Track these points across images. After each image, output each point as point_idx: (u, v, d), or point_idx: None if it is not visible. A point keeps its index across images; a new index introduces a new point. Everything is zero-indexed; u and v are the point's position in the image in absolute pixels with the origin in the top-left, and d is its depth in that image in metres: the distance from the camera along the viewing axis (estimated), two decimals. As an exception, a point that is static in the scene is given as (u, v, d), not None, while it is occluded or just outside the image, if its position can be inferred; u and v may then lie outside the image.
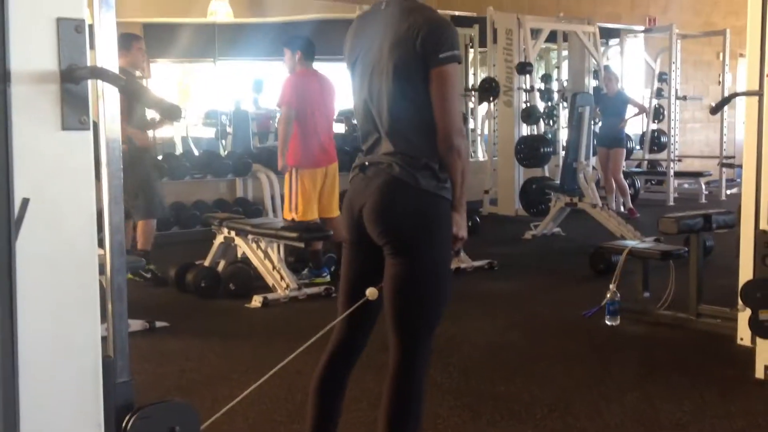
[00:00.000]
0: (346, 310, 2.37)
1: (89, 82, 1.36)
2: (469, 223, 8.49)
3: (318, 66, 5.98)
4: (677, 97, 11.51)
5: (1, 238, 1.27)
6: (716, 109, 4.80)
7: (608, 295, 4.63)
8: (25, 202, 1.28)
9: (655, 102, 12.16)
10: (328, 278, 5.81)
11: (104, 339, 1.46)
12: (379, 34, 2.31)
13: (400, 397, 2.26)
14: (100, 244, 1.42)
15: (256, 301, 5.19)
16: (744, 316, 4.07)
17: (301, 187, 5.70)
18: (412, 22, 2.23)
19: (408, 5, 2.29)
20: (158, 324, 4.64)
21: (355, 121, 11.22)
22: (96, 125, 1.41)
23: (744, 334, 4.15)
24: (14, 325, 1.30)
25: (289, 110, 5.64)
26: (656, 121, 12.28)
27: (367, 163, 2.35)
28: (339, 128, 14.13)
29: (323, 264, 5.93)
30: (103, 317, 1.45)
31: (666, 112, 11.84)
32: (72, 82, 1.33)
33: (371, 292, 2.28)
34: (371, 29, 2.36)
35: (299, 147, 5.70)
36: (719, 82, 12.73)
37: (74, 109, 1.34)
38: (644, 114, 10.88)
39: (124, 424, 1.47)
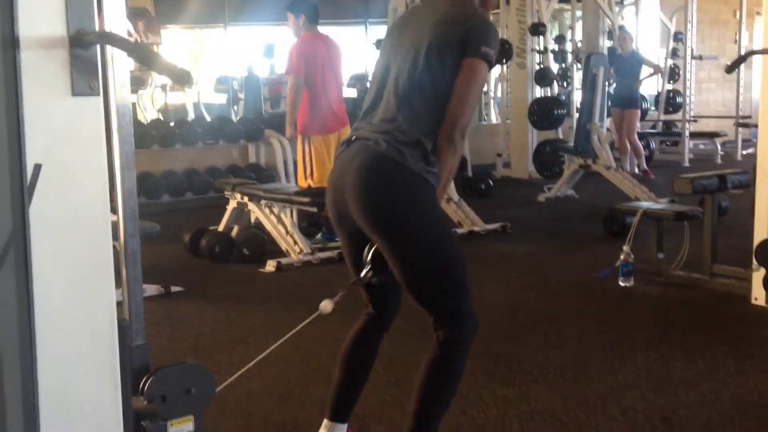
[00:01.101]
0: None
1: (98, 47, 1.36)
2: (482, 186, 8.49)
3: (326, 30, 5.93)
4: (693, 57, 11.37)
5: (15, 204, 1.29)
6: (732, 68, 4.73)
7: (622, 257, 4.62)
8: (38, 168, 1.29)
9: (670, 62, 12.02)
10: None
11: (120, 304, 1.48)
12: (427, 13, 2.32)
13: (440, 372, 2.24)
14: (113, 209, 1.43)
15: (270, 265, 5.22)
16: (758, 275, 4.07)
17: (315, 153, 5.68)
18: (463, 11, 2.26)
19: (462, 1, 2.33)
20: (173, 289, 4.68)
21: (365, 85, 11.13)
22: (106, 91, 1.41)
23: (758, 294, 4.14)
24: (30, 290, 1.32)
25: (297, 78, 5.59)
26: (671, 81, 12.15)
27: (353, 138, 2.29)
28: (351, 93, 14.08)
29: None
30: (118, 282, 1.46)
31: (681, 72, 11.71)
32: (81, 48, 1.33)
33: (324, 306, 2.17)
34: (419, 12, 2.41)
35: (310, 113, 5.66)
36: (735, 41, 12.53)
37: (84, 74, 1.34)
38: (659, 74, 10.76)
39: (140, 386, 1.49)
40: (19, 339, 1.32)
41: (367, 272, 2.26)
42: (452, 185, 6.50)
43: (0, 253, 1.28)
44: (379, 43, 12.83)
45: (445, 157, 2.19)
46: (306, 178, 5.74)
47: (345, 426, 2.47)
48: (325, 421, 2.46)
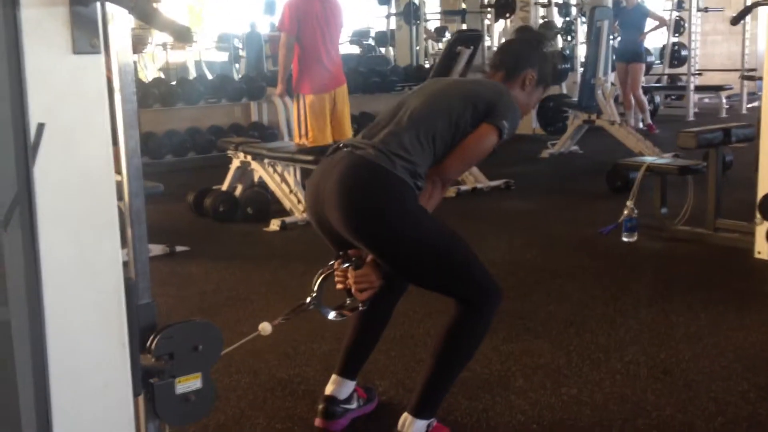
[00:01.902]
0: None
1: (98, 4, 1.35)
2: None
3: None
4: (698, 9, 11.25)
5: (19, 164, 1.29)
6: (737, 19, 4.68)
7: (625, 212, 4.63)
8: (41, 127, 1.29)
9: (675, 14, 11.88)
10: None
11: (126, 263, 1.49)
12: (465, 80, 2.54)
13: (460, 337, 2.24)
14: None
15: (274, 224, 5.23)
16: (762, 229, 4.08)
17: (311, 113, 5.65)
18: (502, 87, 2.39)
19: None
20: (178, 248, 4.71)
21: (368, 42, 11.12)
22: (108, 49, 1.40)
23: (761, 248, 4.15)
24: (36, 250, 1.32)
25: (288, 37, 5.57)
26: (676, 34, 12.02)
27: (341, 145, 2.26)
28: (354, 49, 13.97)
29: None
30: (124, 242, 1.47)
31: (687, 25, 11.58)
32: (81, 5, 1.31)
33: (263, 328, 2.10)
34: (456, 79, 2.53)
35: (304, 73, 5.64)
36: (742, -8, 12.38)
37: (84, 32, 1.33)
38: (664, 27, 10.64)
39: (148, 344, 1.51)
40: (27, 299, 1.33)
41: (312, 299, 2.22)
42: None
43: (6, 213, 1.28)
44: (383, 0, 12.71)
45: (431, 188, 2.24)
46: (301, 137, 5.73)
47: (353, 384, 2.50)
48: (334, 376, 2.49)
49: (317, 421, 2.47)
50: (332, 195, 2.14)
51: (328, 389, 2.48)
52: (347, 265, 2.22)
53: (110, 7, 1.38)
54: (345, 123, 5.86)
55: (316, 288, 2.23)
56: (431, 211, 2.25)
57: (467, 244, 2.26)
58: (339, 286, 2.27)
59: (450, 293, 2.26)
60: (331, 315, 2.27)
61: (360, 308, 2.28)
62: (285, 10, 5.66)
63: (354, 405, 2.52)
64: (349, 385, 2.50)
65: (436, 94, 2.33)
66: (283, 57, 5.68)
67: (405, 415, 2.30)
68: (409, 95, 2.38)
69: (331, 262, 2.27)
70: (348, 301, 2.29)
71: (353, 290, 2.24)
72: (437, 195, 2.27)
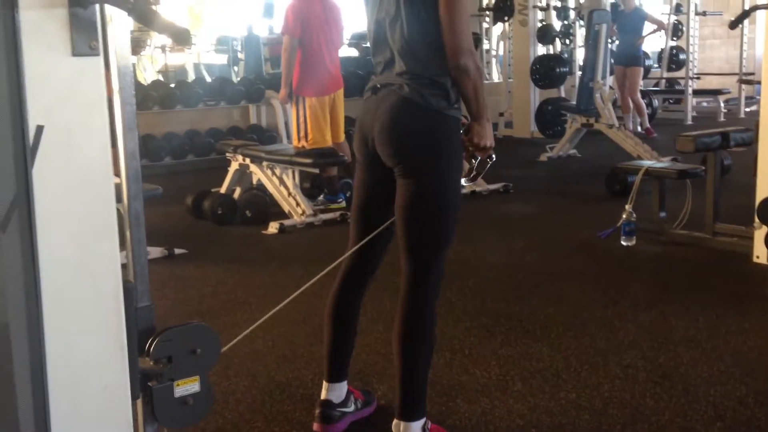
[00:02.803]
0: (357, 233, 2.39)
1: (97, 6, 1.35)
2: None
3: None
4: (696, 13, 11.26)
5: (18, 166, 1.28)
6: (735, 24, 4.68)
7: (624, 216, 4.62)
8: (40, 129, 1.29)
9: (673, 18, 11.89)
10: (343, 204, 5.83)
11: (124, 266, 1.48)
12: None
13: (413, 319, 2.27)
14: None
15: (273, 227, 5.23)
16: (760, 233, 4.07)
17: (311, 115, 5.65)
18: None
19: None
20: (177, 251, 4.70)
21: (367, 44, 11.17)
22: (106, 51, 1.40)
23: (760, 252, 4.15)
24: (35, 252, 1.32)
25: (292, 39, 5.57)
26: (675, 37, 12.04)
27: (378, 85, 2.34)
28: (352, 52, 13.97)
29: (338, 190, 5.94)
30: (122, 245, 1.46)
31: (685, 29, 11.60)
32: (80, 6, 1.31)
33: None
34: None
35: (306, 75, 5.64)
36: (740, -4, 12.40)
37: (83, 34, 1.33)
38: (662, 31, 10.65)
39: (146, 347, 1.50)
40: (25, 301, 1.33)
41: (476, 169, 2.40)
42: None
43: (4, 215, 1.28)
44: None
45: (461, 81, 2.20)
46: (300, 139, 5.72)
47: (344, 384, 2.50)
48: (325, 383, 2.49)
49: (315, 426, 2.46)
50: (379, 131, 2.28)
51: (323, 394, 2.48)
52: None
53: (109, 8, 1.38)
54: (340, 126, 5.91)
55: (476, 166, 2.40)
56: (481, 82, 2.25)
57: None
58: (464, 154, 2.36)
59: (426, 245, 2.28)
60: (463, 181, 2.41)
61: (490, 163, 2.42)
62: (288, 13, 5.66)
63: (351, 408, 2.51)
64: (342, 388, 2.49)
65: (394, 6, 2.25)
66: (288, 60, 5.66)
67: (396, 422, 2.29)
68: (374, 14, 2.34)
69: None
70: (475, 163, 2.42)
71: (479, 153, 2.36)
72: (468, 83, 2.20)
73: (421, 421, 2.28)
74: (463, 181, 2.41)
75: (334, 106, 5.80)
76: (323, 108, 5.70)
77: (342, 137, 5.89)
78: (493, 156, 2.41)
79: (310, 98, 5.65)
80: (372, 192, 2.40)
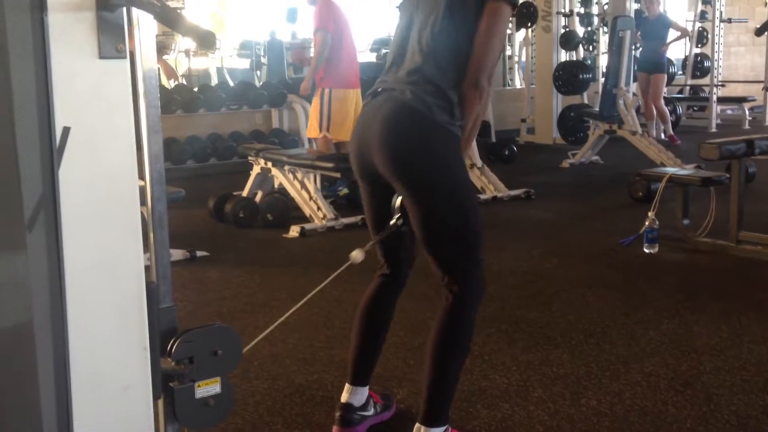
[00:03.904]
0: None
1: (124, 9, 1.36)
2: (506, 152, 8.44)
3: None
4: (722, 20, 11.16)
5: (44, 167, 1.30)
6: (761, 31, 4.66)
7: (647, 223, 4.60)
8: (66, 130, 1.30)
9: (698, 25, 11.81)
10: (345, 190, 5.94)
11: (147, 267, 1.50)
12: None
13: (451, 327, 2.24)
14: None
15: (294, 231, 5.25)
16: (785, 242, 4.03)
17: (337, 106, 5.81)
18: None
19: None
20: (198, 253, 4.73)
21: (385, 51, 11.20)
22: (132, 54, 1.41)
23: (785, 261, 4.11)
24: (60, 253, 1.33)
25: (326, 34, 5.74)
26: (699, 44, 11.95)
27: (379, 89, 2.27)
28: (371, 57, 14.01)
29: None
30: (146, 247, 1.48)
31: (710, 36, 11.51)
32: (107, 10, 1.33)
33: (354, 256, 2.14)
34: None
35: (335, 68, 5.82)
36: (765, 4, 12.28)
37: (110, 37, 1.34)
38: (686, 38, 10.58)
39: (168, 348, 1.51)
40: (50, 301, 1.34)
41: (396, 220, 2.27)
42: (476, 151, 6.48)
43: (30, 216, 1.29)
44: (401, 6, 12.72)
45: (471, 102, 2.16)
46: (321, 129, 5.82)
47: (366, 389, 2.50)
48: (347, 386, 2.49)
49: (335, 429, 2.47)
50: (376, 140, 2.19)
51: (343, 397, 2.48)
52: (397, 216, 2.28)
53: (135, 12, 1.39)
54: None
55: (397, 208, 2.27)
56: (485, 109, 2.23)
57: (481, 216, 2.28)
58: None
59: (454, 260, 2.24)
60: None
61: None
62: (320, 10, 5.84)
63: (371, 412, 2.51)
64: (363, 392, 2.49)
65: (434, 5, 2.22)
66: (320, 54, 5.84)
67: (417, 426, 2.28)
68: (409, 13, 2.29)
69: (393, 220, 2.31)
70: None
71: None
72: (486, 92, 2.18)
73: (443, 428, 2.28)
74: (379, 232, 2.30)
75: (357, 103, 5.96)
76: (349, 100, 5.88)
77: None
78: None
79: (337, 89, 5.79)
80: (378, 206, 2.34)
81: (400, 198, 2.26)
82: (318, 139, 5.91)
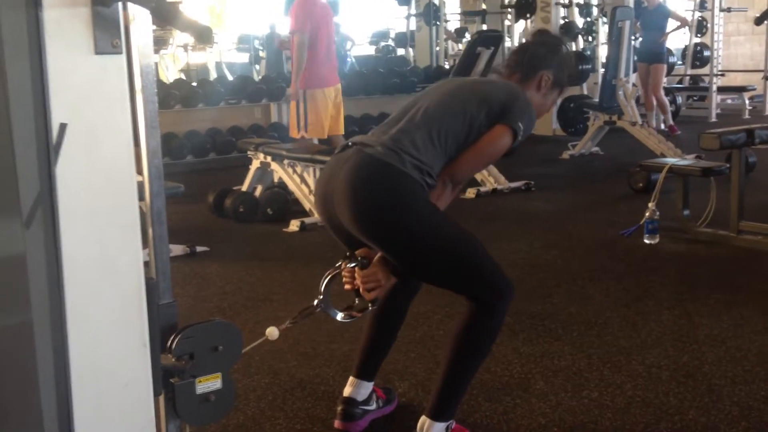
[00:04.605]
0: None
1: (120, 5, 1.35)
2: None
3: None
4: (721, 9, 11.13)
5: (41, 164, 1.29)
6: (761, 20, 4.64)
7: (647, 214, 4.59)
8: (63, 127, 1.30)
9: (697, 14, 11.77)
10: None
11: (147, 263, 1.49)
12: (481, 79, 2.33)
13: (474, 331, 2.22)
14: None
15: (294, 225, 5.24)
16: (786, 232, 4.03)
17: (312, 106, 5.91)
18: (517, 88, 2.35)
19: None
20: (198, 249, 4.72)
21: (386, 43, 11.31)
22: (129, 49, 1.40)
23: (786, 251, 4.11)
24: (58, 249, 1.33)
25: (302, 36, 5.86)
26: (699, 34, 11.91)
27: (350, 143, 2.23)
28: (370, 50, 13.98)
29: None
30: (145, 243, 1.47)
31: (709, 25, 11.47)
32: (102, 5, 1.32)
33: (270, 333, 2.05)
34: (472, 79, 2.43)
35: (311, 69, 5.89)
36: (765, -7, 12.24)
37: (106, 32, 1.33)
38: (686, 28, 10.54)
39: (168, 344, 1.51)
40: (49, 298, 1.34)
41: (319, 302, 2.19)
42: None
43: (28, 213, 1.29)
44: (402, 0, 12.70)
45: (437, 192, 2.19)
46: (300, 129, 5.97)
47: (371, 384, 2.49)
48: (352, 378, 2.48)
49: (336, 423, 2.46)
50: (341, 194, 2.13)
51: (347, 391, 2.47)
52: (354, 265, 2.20)
53: (132, 7, 1.38)
54: (340, 119, 6.15)
55: (323, 289, 2.20)
56: (442, 208, 2.23)
57: (479, 241, 2.23)
58: (347, 287, 2.25)
59: (461, 291, 2.25)
60: (339, 316, 2.24)
61: (369, 308, 2.25)
62: (296, 11, 5.94)
63: (373, 406, 2.51)
64: (367, 387, 2.49)
65: (451, 93, 2.30)
66: (300, 56, 5.91)
67: (423, 418, 2.28)
68: (423, 94, 2.35)
69: (338, 263, 2.24)
70: (357, 302, 2.27)
71: (361, 290, 2.21)
72: (447, 195, 2.23)
73: (447, 423, 2.28)
74: (338, 316, 2.22)
75: (335, 98, 6.06)
76: (325, 99, 5.95)
77: (342, 130, 6.13)
78: (371, 306, 2.25)
79: (312, 90, 5.90)
80: (354, 248, 2.25)
81: (325, 279, 2.20)
82: (297, 139, 6.03)
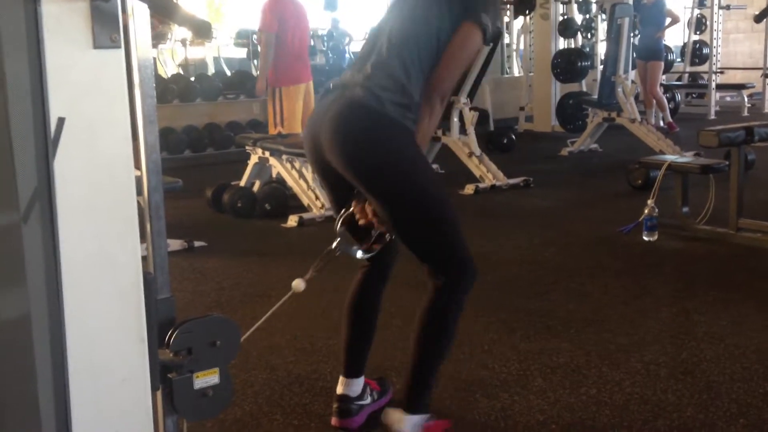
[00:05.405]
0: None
1: (118, -2, 1.35)
2: (504, 140, 8.43)
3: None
4: (720, 6, 11.13)
5: (39, 158, 1.29)
6: (761, 17, 4.63)
7: (646, 211, 4.59)
8: (61, 121, 1.29)
9: (696, 11, 11.77)
10: None
11: (144, 258, 1.48)
12: None
13: (432, 316, 2.23)
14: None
15: (292, 220, 5.24)
16: (785, 229, 4.03)
17: (287, 102, 6.09)
18: None
19: None
20: (196, 244, 4.72)
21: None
22: (127, 44, 1.39)
23: (784, 248, 4.11)
24: (56, 244, 1.32)
25: (269, 35, 6.05)
26: (698, 32, 11.92)
27: (332, 86, 2.25)
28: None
29: None
30: (143, 237, 1.47)
31: (708, 23, 11.48)
32: (101, -1, 1.31)
33: (296, 285, 2.12)
34: None
35: (283, 68, 6.06)
36: (765, -10, 12.24)
37: (105, 26, 1.33)
38: (677, 24, 10.51)
39: (166, 339, 1.51)
40: (46, 293, 1.33)
41: (338, 244, 2.21)
42: (474, 139, 6.48)
43: (26, 207, 1.28)
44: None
45: (422, 116, 2.16)
46: (276, 125, 6.18)
47: (361, 379, 2.49)
48: (341, 378, 2.48)
49: (333, 421, 2.46)
50: (328, 141, 2.16)
51: (339, 389, 2.47)
52: (366, 200, 2.20)
53: (130, 1, 1.38)
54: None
55: (339, 231, 2.22)
56: (434, 128, 2.22)
57: (455, 212, 2.23)
58: (361, 222, 2.24)
59: (428, 256, 2.22)
60: (359, 254, 2.26)
61: (387, 238, 2.25)
62: (265, 11, 6.07)
63: (368, 400, 2.51)
64: (359, 383, 2.48)
65: (411, 7, 2.24)
66: (266, 55, 6.10)
67: (395, 412, 2.27)
68: (386, 17, 2.30)
69: (350, 204, 2.25)
70: (373, 236, 2.26)
71: (375, 223, 2.21)
72: (437, 111, 2.20)
73: (422, 416, 2.26)
74: (359, 254, 2.25)
75: (307, 95, 6.24)
76: (298, 96, 6.13)
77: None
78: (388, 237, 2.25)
79: (286, 87, 6.07)
80: (339, 201, 2.30)
81: (341, 219, 2.23)
82: (274, 134, 6.18)
